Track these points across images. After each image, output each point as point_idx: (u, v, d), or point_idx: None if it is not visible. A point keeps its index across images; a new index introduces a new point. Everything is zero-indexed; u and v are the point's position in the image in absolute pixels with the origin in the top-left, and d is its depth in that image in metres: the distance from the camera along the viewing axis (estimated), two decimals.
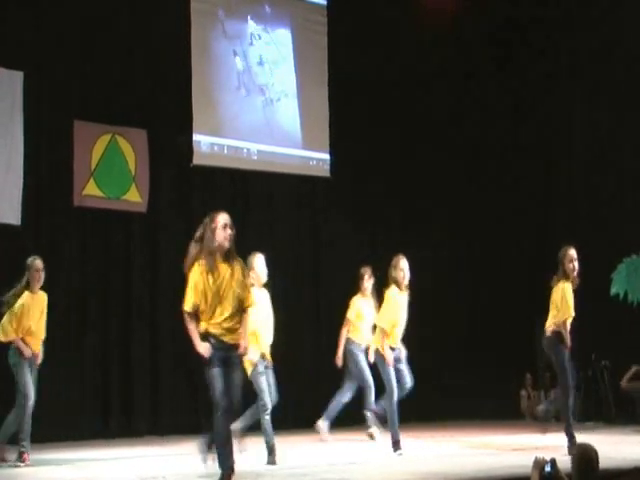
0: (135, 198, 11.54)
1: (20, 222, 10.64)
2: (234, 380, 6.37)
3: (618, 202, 12.52)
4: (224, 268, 6.36)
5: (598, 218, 12.70)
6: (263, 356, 7.85)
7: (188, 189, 12.13)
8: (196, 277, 6.30)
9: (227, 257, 6.39)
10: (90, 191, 11.23)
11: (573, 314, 8.03)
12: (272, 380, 7.91)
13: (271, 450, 7.72)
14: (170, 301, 11.78)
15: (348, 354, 9.84)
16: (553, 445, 8.05)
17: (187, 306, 6.32)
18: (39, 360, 8.42)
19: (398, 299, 8.34)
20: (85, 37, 11.38)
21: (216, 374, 6.22)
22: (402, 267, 8.33)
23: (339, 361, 9.85)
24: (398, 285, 8.33)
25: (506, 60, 13.96)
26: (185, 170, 12.02)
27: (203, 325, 6.31)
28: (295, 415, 11.51)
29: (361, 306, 9.88)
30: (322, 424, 9.69)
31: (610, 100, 12.86)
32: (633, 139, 12.45)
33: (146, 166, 11.64)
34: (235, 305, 6.35)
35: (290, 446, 8.08)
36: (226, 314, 6.31)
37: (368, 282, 9.86)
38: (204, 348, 6.21)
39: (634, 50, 12.45)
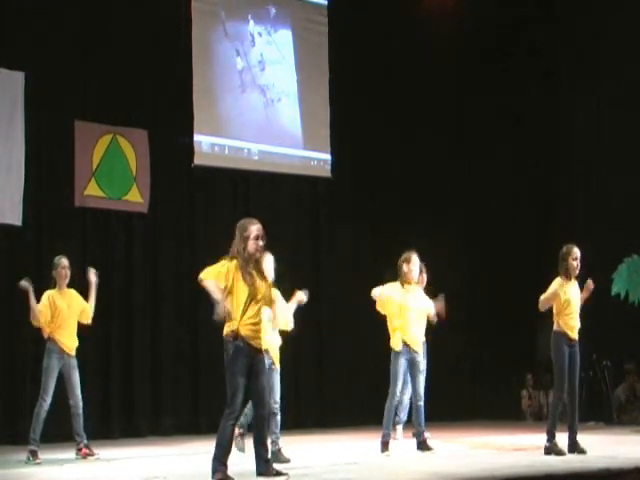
0: (136, 198, 11.55)
1: (21, 222, 10.66)
2: (259, 386, 6.22)
3: (619, 202, 12.52)
4: (255, 274, 6.29)
5: (599, 218, 12.71)
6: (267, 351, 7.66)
7: (189, 189, 12.15)
8: (224, 269, 6.19)
9: (256, 266, 6.34)
10: (91, 191, 11.25)
11: (542, 308, 7.86)
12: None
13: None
14: (171, 301, 11.83)
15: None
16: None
17: (206, 277, 6.18)
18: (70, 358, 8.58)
19: (396, 292, 8.18)
20: (86, 37, 11.40)
21: (240, 384, 6.10)
22: (411, 266, 8.19)
23: None
24: (401, 280, 8.24)
25: (508, 61, 13.96)
26: (186, 170, 12.03)
27: (234, 324, 6.18)
28: (295, 415, 11.51)
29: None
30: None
31: (611, 100, 12.87)
32: (634, 139, 12.45)
33: (147, 166, 11.66)
34: (260, 309, 6.30)
35: (290, 446, 8.07)
36: (256, 317, 6.23)
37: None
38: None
39: (636, 50, 12.47)
